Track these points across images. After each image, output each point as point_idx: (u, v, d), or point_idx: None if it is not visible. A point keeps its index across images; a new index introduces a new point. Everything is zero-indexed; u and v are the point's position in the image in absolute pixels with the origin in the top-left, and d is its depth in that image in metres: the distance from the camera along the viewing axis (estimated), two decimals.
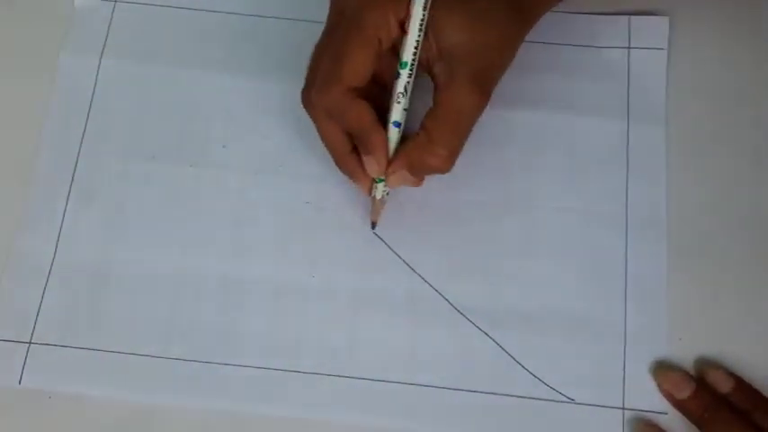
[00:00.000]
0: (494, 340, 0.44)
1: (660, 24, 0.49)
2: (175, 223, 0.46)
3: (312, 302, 0.45)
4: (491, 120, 0.46)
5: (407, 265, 0.45)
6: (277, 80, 0.48)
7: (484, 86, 0.40)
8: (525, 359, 0.44)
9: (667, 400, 0.43)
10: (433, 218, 0.46)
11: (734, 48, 0.49)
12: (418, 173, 0.42)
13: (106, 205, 0.46)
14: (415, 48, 0.40)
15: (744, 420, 0.41)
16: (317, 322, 0.44)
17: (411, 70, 0.41)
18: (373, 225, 0.45)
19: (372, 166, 0.42)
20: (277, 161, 0.47)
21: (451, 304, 0.45)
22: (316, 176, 0.47)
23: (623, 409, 0.43)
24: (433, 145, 0.40)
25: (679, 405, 0.43)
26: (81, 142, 0.48)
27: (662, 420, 0.43)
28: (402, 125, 0.42)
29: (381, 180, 0.43)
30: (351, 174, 0.43)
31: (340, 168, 0.44)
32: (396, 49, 0.41)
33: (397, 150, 0.42)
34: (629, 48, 0.49)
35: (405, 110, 0.41)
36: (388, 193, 0.44)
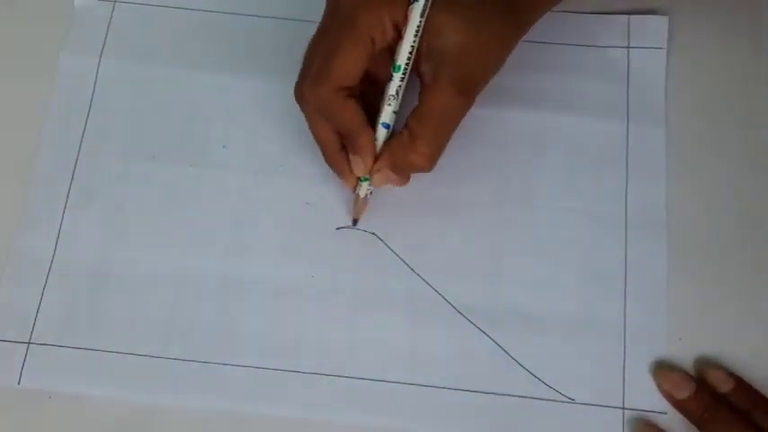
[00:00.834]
0: (493, 340, 0.44)
1: (660, 24, 0.49)
2: (175, 223, 0.46)
3: (312, 302, 0.45)
4: (491, 120, 0.47)
5: (407, 265, 0.45)
6: (277, 80, 0.48)
7: (468, 89, 0.40)
8: (525, 359, 0.44)
9: (667, 400, 0.43)
10: (433, 218, 0.46)
11: (734, 47, 0.49)
12: (401, 171, 0.42)
13: (106, 205, 0.46)
14: (410, 53, 0.40)
15: (744, 420, 0.41)
16: (317, 322, 0.44)
17: (404, 74, 0.41)
18: (354, 222, 0.46)
19: (359, 166, 0.42)
20: (277, 161, 0.47)
21: (451, 304, 0.45)
22: (316, 176, 0.47)
23: (623, 408, 0.43)
24: (415, 144, 0.40)
25: (679, 405, 0.43)
26: (81, 142, 0.48)
27: (662, 420, 0.43)
28: (392, 127, 0.42)
29: (366, 179, 0.43)
30: (338, 171, 0.44)
31: (328, 164, 0.44)
32: (391, 50, 0.41)
33: (380, 149, 0.42)
34: (628, 47, 0.49)
35: (395, 112, 0.41)
36: (371, 192, 0.44)
